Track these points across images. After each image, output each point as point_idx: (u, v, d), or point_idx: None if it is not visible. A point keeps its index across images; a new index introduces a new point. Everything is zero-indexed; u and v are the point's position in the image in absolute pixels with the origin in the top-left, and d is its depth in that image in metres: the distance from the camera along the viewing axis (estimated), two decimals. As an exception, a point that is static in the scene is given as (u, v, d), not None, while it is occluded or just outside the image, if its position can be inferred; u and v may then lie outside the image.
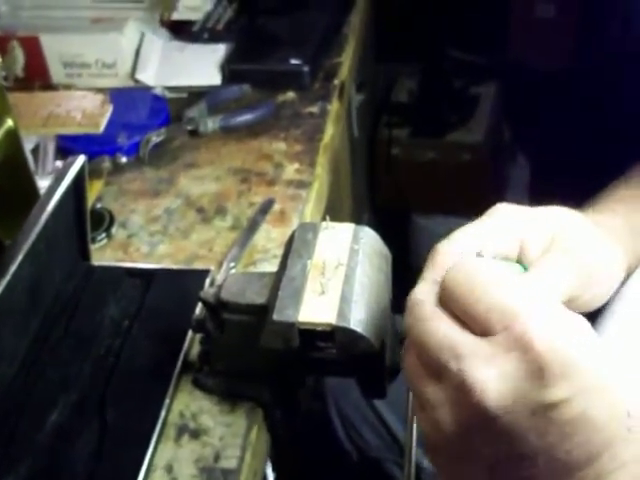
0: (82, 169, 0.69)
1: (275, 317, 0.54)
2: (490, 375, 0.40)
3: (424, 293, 0.45)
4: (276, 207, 0.87)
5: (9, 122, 0.73)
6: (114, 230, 0.86)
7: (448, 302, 0.44)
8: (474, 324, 0.42)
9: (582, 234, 0.58)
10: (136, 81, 1.11)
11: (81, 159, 0.69)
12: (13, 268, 0.60)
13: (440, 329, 0.43)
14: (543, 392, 0.40)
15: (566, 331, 0.41)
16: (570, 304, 0.56)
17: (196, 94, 1.06)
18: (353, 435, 0.97)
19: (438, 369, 0.43)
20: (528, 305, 0.41)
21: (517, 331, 0.41)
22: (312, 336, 0.54)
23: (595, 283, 0.58)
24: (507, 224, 0.55)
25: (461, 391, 0.41)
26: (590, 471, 0.41)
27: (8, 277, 0.60)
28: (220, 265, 0.79)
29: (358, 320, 0.53)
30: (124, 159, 0.95)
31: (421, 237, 1.76)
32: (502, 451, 0.42)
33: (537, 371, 0.40)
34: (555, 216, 0.58)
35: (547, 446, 0.41)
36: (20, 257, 0.61)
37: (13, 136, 0.74)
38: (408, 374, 0.45)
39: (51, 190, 0.66)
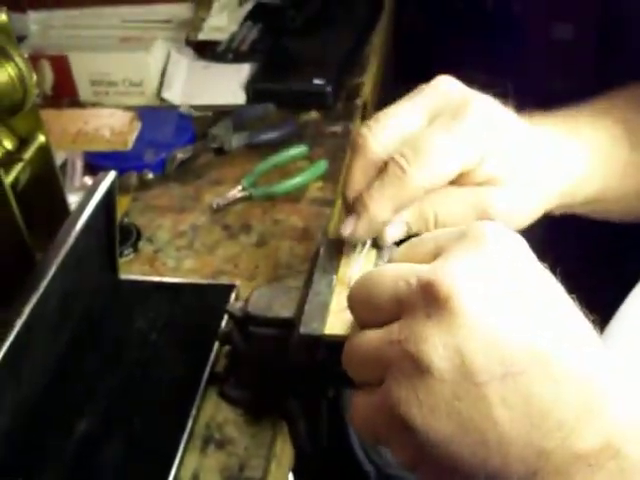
0: (113, 185, 0.71)
1: (301, 330, 0.55)
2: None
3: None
4: (300, 224, 0.89)
5: (41, 138, 0.75)
6: (141, 245, 0.87)
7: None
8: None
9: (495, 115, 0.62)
10: (162, 99, 1.13)
11: (112, 175, 0.71)
12: (45, 282, 0.62)
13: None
14: None
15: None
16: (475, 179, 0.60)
17: (221, 113, 1.08)
18: (372, 454, 0.97)
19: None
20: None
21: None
22: (338, 349, 0.55)
23: (510, 159, 0.61)
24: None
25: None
26: None
27: (41, 291, 0.61)
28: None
29: (383, 334, 0.54)
30: (151, 175, 0.97)
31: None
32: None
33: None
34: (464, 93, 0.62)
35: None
36: (52, 271, 0.63)
37: (45, 152, 0.75)
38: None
39: (82, 205, 0.68)
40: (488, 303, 0.41)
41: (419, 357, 0.41)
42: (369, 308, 0.46)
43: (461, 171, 0.59)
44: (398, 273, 0.45)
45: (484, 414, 0.40)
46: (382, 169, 0.59)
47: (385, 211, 0.58)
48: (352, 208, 0.60)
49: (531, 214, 0.65)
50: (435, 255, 0.45)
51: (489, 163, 0.60)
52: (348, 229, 0.59)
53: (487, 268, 0.42)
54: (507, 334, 0.41)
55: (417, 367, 0.41)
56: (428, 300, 0.42)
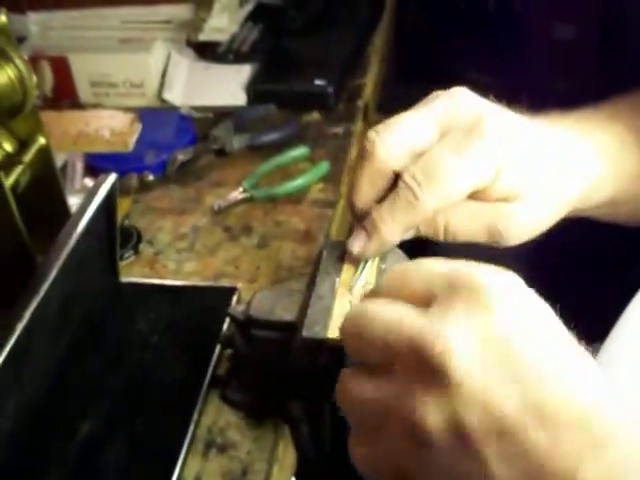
0: (113, 187, 0.70)
1: (304, 333, 0.55)
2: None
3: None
4: (301, 226, 0.89)
5: (41, 140, 0.75)
6: (141, 247, 0.87)
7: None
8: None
9: (511, 126, 0.60)
10: (163, 101, 1.13)
11: (112, 177, 0.70)
12: (46, 285, 0.61)
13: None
14: None
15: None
16: (491, 194, 0.58)
17: (222, 114, 1.08)
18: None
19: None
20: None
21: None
22: (341, 353, 0.55)
23: (526, 173, 0.59)
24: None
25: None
26: None
27: (41, 294, 0.61)
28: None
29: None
30: (151, 177, 0.97)
31: (445, 256, 1.76)
32: None
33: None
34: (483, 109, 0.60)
35: None
36: (53, 274, 0.62)
37: (45, 154, 0.75)
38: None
39: (83, 207, 0.68)
40: (481, 369, 0.41)
41: (415, 424, 0.41)
42: (361, 347, 0.46)
43: (475, 190, 0.57)
44: (389, 326, 0.44)
45: (483, 476, 0.41)
46: (391, 179, 0.57)
47: (396, 234, 0.57)
48: (361, 221, 0.58)
49: (549, 222, 0.63)
50: (424, 300, 0.44)
51: (504, 179, 0.58)
52: (357, 247, 0.58)
53: (480, 330, 0.42)
54: (502, 400, 0.40)
55: (413, 435, 0.42)
56: (421, 364, 0.41)
